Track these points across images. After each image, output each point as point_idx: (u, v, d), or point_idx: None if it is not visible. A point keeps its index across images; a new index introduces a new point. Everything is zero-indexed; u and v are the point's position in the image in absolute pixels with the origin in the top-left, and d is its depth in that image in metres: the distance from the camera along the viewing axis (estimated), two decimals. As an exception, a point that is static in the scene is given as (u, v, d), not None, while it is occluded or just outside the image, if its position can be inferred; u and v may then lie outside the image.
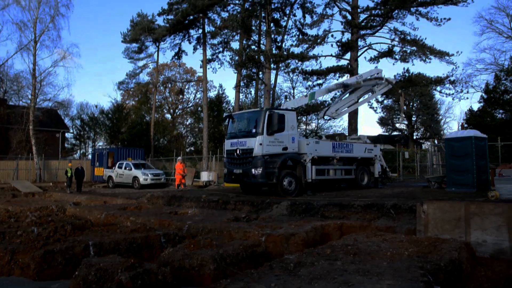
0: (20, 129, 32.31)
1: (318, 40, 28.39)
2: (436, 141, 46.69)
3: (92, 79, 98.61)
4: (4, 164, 30.72)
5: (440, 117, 53.09)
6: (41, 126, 33.74)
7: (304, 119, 44.83)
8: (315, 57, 29.32)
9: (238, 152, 15.08)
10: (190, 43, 37.23)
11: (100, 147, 42.80)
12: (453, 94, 28.00)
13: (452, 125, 66.49)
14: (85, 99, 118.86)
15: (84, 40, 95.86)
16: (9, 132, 33.30)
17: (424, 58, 26.98)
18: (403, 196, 13.24)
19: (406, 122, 51.35)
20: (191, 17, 33.19)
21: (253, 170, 14.35)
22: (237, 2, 33.28)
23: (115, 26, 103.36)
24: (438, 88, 29.14)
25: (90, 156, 37.58)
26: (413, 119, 50.90)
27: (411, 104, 49.09)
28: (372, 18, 28.34)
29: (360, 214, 11.09)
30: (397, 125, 54.51)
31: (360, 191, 16.30)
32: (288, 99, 38.29)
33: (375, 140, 43.02)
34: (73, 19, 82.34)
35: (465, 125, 27.75)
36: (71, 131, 55.28)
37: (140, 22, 38.61)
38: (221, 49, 34.56)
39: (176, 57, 38.50)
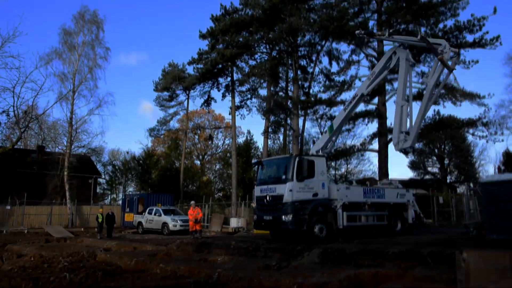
0: (56, 175, 33.38)
1: (345, 86, 28.67)
2: (471, 185, 45.08)
3: (124, 126, 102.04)
4: (39, 209, 31.53)
5: (475, 159, 51.55)
6: (75, 172, 34.79)
7: (333, 164, 44.46)
8: (343, 103, 29.43)
9: (268, 198, 15.00)
10: (219, 90, 38.39)
11: (131, 193, 43.56)
12: (486, 136, 27.31)
13: (488, 168, 64.32)
14: (117, 146, 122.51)
15: (118, 88, 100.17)
16: (45, 178, 34.43)
17: (455, 101, 26.67)
18: (440, 243, 12.70)
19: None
20: (220, 65, 34.34)
21: (283, 216, 14.18)
22: (264, 50, 34.33)
23: (147, 74, 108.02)
24: (471, 131, 28.54)
25: (120, 202, 38.19)
26: (446, 162, 49.59)
27: (443, 147, 48.04)
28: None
29: (395, 262, 10.63)
30: (430, 168, 53.17)
31: (394, 238, 15.74)
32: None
33: (406, 184, 41.88)
34: (108, 69, 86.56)
35: (502, 168, 26.83)
36: (103, 176, 56.64)
37: (171, 71, 40.28)
38: (249, 96, 35.40)
39: (205, 104, 39.61)
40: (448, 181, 51.25)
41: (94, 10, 35.58)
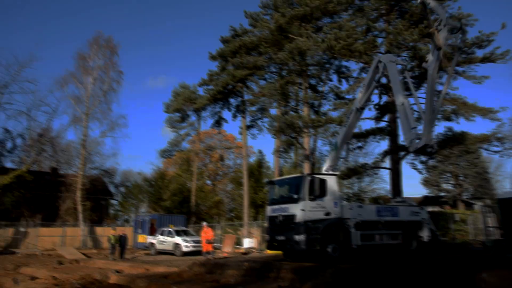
0: (69, 197, 33.65)
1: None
2: (488, 201, 44.18)
3: (136, 147, 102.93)
4: (52, 231, 31.70)
5: (491, 175, 50.60)
6: (88, 193, 35.07)
7: (345, 182, 44.06)
8: (354, 121, 29.36)
9: (280, 218, 14.91)
10: (229, 110, 38.69)
11: (143, 214, 43.60)
12: (501, 151, 26.91)
13: (505, 184, 62.98)
14: (129, 167, 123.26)
15: (130, 110, 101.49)
16: (58, 199, 34.73)
17: (467, 116, 26.38)
18: (458, 262, 12.40)
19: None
20: (230, 86, 34.67)
21: (295, 236, 14.04)
22: (274, 70, 34.62)
23: (158, 96, 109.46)
24: (485, 146, 28.14)
25: (133, 223, 38.26)
26: (461, 178, 48.77)
27: (457, 163, 47.34)
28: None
29: (412, 283, 10.40)
30: (444, 185, 52.30)
31: (409, 257, 15.43)
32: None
33: (421, 202, 41.33)
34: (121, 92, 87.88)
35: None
36: (115, 198, 56.85)
37: (182, 93, 40.77)
38: (259, 115, 35.55)
39: (216, 124, 39.91)
40: (463, 198, 50.32)
41: (109, 36, 36.42)
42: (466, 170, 47.66)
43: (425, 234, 17.66)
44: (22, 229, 29.02)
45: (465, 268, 10.50)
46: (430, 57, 14.88)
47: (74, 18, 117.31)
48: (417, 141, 14.06)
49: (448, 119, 27.50)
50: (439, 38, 13.84)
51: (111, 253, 23.23)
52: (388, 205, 17.36)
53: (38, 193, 35.40)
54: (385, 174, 52.09)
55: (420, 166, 45.48)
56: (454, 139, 27.13)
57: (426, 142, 13.82)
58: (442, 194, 53.65)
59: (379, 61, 16.83)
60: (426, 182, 52.69)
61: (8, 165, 36.34)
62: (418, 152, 15.60)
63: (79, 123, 33.74)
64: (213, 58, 34.74)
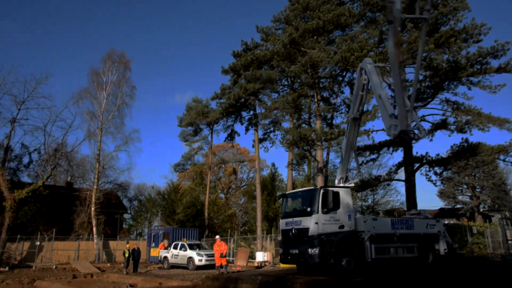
0: (83, 211, 33.93)
1: (368, 116, 28.47)
2: (507, 213, 43.21)
3: (149, 161, 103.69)
4: (66, 244, 31.92)
5: (509, 187, 49.58)
6: (102, 207, 35.35)
7: (359, 195, 43.65)
8: (367, 133, 29.17)
9: (293, 231, 14.80)
10: (242, 124, 38.84)
11: (156, 228, 43.73)
12: (519, 162, 26.33)
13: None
14: (142, 180, 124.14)
15: (143, 125, 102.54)
16: (73, 213, 35.05)
17: (482, 127, 26.00)
18: (476, 277, 12.09)
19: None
20: (243, 99, 34.84)
21: (309, 250, 13.90)
22: (286, 83, 34.72)
23: (171, 110, 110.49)
24: (502, 157, 27.60)
25: (146, 237, 38.32)
26: (477, 189, 47.88)
27: (473, 174, 46.55)
28: (422, 90, 28.22)
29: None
30: (460, 197, 51.40)
31: (425, 270, 15.12)
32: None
33: (437, 214, 40.65)
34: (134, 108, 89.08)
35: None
36: (129, 211, 57.14)
37: (195, 107, 41.09)
38: (272, 128, 35.58)
39: (229, 138, 40.04)
40: (481, 210, 49.32)
41: (122, 51, 37.12)
42: (483, 181, 46.81)
43: (441, 247, 17.34)
44: (37, 243, 29.29)
45: (484, 283, 10.23)
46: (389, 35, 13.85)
47: (87, 37, 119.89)
48: (395, 127, 13.64)
49: (461, 130, 27.15)
50: (391, 10, 12.73)
51: (125, 267, 23.27)
52: (403, 218, 17.08)
53: (53, 207, 35.82)
54: (400, 186, 51.53)
55: (434, 177, 44.79)
56: (470, 150, 26.74)
57: (402, 128, 13.42)
58: (459, 206, 52.69)
59: (361, 68, 16.60)
60: (441, 194, 51.88)
61: (25, 179, 36.96)
62: (399, 138, 14.95)
63: (93, 137, 34.22)
64: (225, 72, 35.03)
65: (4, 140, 30.95)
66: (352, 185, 17.01)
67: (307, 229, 14.21)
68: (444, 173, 44.26)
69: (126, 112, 35.71)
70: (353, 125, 17.20)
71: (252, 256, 25.86)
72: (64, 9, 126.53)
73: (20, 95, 30.75)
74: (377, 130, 29.15)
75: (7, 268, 24.82)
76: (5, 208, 28.60)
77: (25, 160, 36.63)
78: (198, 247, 25.96)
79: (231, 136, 39.84)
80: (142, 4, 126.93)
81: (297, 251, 14.57)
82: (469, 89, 27.14)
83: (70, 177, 44.18)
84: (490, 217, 49.77)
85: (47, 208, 34.30)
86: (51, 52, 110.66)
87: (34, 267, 26.59)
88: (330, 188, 14.83)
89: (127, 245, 25.41)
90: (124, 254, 23.66)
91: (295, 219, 14.96)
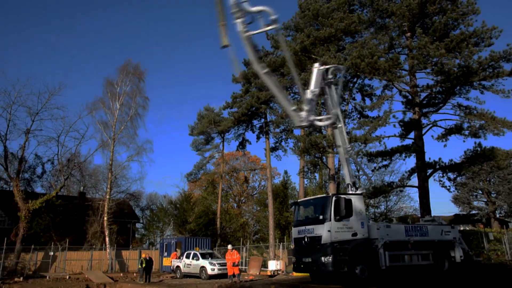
0: (96, 221, 34.14)
1: (380, 122, 28.26)
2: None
3: (161, 170, 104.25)
4: (79, 254, 32.11)
5: (526, 191, 48.53)
6: (114, 217, 35.52)
7: (372, 202, 43.23)
8: (378, 139, 28.93)
9: (306, 240, 14.70)
10: (253, 132, 38.88)
11: (168, 237, 43.88)
12: (535, 166, 25.86)
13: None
14: (154, 190, 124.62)
15: (155, 135, 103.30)
16: (85, 223, 35.31)
17: (497, 132, 25.62)
18: (494, 284, 11.84)
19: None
20: (254, 108, 34.91)
21: (322, 258, 13.77)
22: (296, 91, 34.67)
23: (183, 119, 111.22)
24: (517, 162, 27.16)
25: (158, 246, 38.38)
26: (493, 195, 47.02)
27: (488, 180, 45.80)
28: (433, 95, 27.99)
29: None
30: (475, 203, 50.52)
31: (442, 278, 14.86)
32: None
33: (452, 220, 40.05)
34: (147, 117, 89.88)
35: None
36: (141, 221, 57.35)
37: (206, 115, 41.29)
38: (284, 136, 35.54)
39: (240, 146, 40.13)
40: (497, 215, 48.41)
41: (137, 63, 37.42)
42: (498, 186, 46.02)
43: (457, 254, 17.04)
44: (51, 253, 29.51)
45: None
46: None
47: (101, 49, 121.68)
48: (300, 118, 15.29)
49: (475, 135, 26.79)
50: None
51: (141, 277, 23.35)
52: (417, 224, 16.85)
53: (66, 217, 36.10)
54: (413, 193, 51.00)
55: (448, 183, 44.20)
56: (484, 155, 26.36)
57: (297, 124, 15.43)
58: (474, 212, 51.80)
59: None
60: (456, 200, 51.07)
61: (38, 190, 37.33)
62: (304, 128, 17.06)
63: (106, 147, 34.51)
64: (236, 80, 35.17)
65: (19, 151, 31.32)
66: (364, 191, 16.88)
67: (319, 237, 14.09)
68: (458, 178, 43.69)
69: (139, 122, 35.95)
70: (333, 130, 17.65)
71: (264, 265, 25.71)
72: (80, 19, 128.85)
73: (34, 106, 31.18)
74: (388, 136, 28.95)
75: (21, 279, 25.03)
76: (20, 218, 28.92)
77: (39, 170, 36.99)
78: (211, 256, 25.88)
79: (242, 145, 39.94)
80: (156, 16, 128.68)
81: (310, 260, 14.45)
82: (482, 93, 26.87)
83: (83, 187, 44.53)
84: (507, 223, 48.84)
85: (61, 218, 34.58)
86: (64, 63, 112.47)
87: (48, 277, 26.76)
88: (342, 196, 14.72)
89: (144, 255, 25.40)
90: (141, 263, 23.66)
91: (308, 227, 14.85)
